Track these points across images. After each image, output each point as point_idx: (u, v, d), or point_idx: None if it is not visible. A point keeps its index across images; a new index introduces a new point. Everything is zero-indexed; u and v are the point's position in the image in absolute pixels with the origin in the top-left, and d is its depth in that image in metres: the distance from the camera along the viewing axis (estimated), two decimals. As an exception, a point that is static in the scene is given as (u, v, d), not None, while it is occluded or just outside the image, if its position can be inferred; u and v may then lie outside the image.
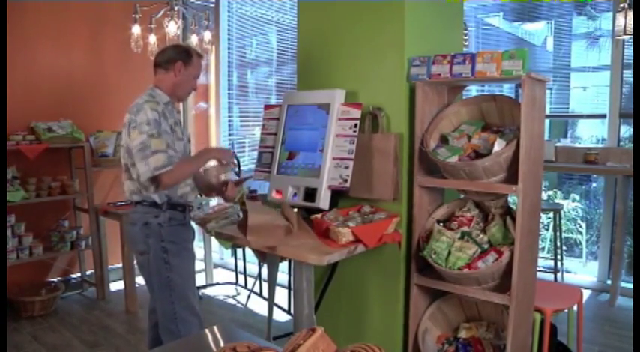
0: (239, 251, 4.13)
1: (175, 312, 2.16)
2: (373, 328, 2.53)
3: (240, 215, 2.45)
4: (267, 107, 2.72)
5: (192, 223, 2.49)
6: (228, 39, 4.96)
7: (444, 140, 2.29)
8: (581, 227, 4.73)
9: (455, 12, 2.66)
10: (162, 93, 2.24)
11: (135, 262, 2.46)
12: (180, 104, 4.88)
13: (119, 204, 3.94)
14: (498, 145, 2.04)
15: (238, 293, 4.19)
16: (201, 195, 2.82)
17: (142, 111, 2.09)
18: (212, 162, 2.28)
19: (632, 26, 3.39)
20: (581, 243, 4.71)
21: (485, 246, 2.14)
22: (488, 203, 2.27)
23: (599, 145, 4.25)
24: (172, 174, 2.08)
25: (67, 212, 4.05)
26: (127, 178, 2.21)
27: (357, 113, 2.30)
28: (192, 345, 1.42)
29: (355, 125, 2.29)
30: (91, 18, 4.14)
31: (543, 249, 4.59)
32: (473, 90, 4.04)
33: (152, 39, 4.01)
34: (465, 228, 2.20)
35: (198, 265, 4.67)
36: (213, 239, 3.74)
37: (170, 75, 2.25)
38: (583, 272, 4.36)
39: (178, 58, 2.24)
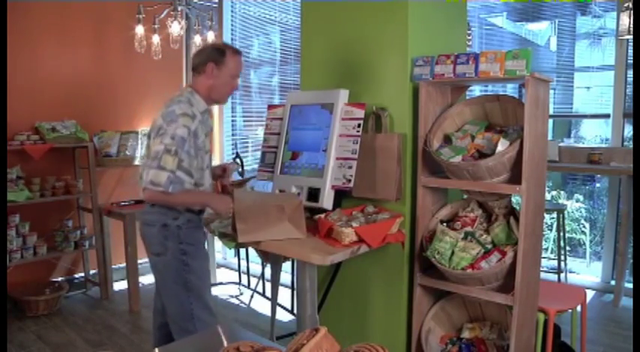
0: (242, 251, 4.14)
1: (193, 313, 2.14)
2: (377, 328, 2.53)
3: None
4: (271, 107, 2.72)
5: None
6: (232, 39, 4.97)
7: (447, 140, 2.29)
8: (584, 227, 4.71)
9: (458, 12, 2.66)
10: (200, 98, 2.15)
11: (148, 262, 2.38)
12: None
13: (122, 203, 3.95)
14: (502, 145, 2.03)
15: (241, 293, 4.20)
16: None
17: (174, 123, 2.00)
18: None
19: (633, 27, 3.38)
20: (584, 244, 4.70)
21: (489, 247, 2.14)
22: (491, 203, 2.27)
23: (603, 145, 4.24)
24: (166, 197, 2.01)
25: (70, 212, 4.06)
26: None
27: (360, 113, 2.30)
28: (195, 345, 1.42)
29: (359, 125, 2.29)
30: (94, 18, 4.15)
31: (547, 249, 4.58)
32: (476, 90, 4.04)
33: (156, 39, 4.02)
34: (469, 228, 2.20)
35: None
36: (216, 239, 3.76)
37: (203, 78, 2.14)
38: (587, 273, 4.34)
39: (209, 58, 2.12)
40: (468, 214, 2.28)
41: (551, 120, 4.20)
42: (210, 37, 4.28)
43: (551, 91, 4.31)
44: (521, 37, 5.16)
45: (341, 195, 2.42)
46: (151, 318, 2.44)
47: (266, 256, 2.98)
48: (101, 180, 4.19)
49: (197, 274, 2.16)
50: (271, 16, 4.87)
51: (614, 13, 4.04)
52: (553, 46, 4.90)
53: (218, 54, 2.13)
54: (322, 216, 2.21)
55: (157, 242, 2.13)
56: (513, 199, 2.30)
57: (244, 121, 5.11)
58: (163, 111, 2.07)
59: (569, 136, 4.77)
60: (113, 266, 4.14)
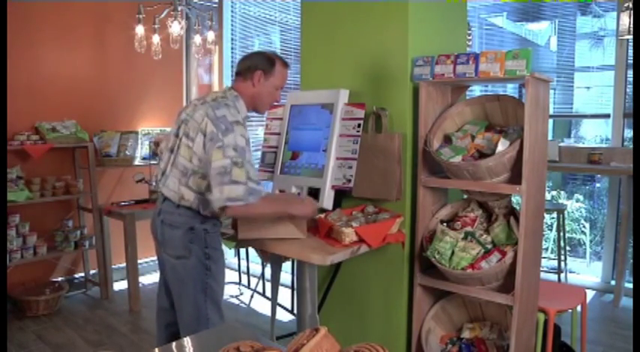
0: (242, 251, 4.14)
1: (208, 317, 2.10)
2: (377, 328, 2.53)
3: None
4: (271, 107, 2.71)
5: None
6: (232, 39, 4.97)
7: (447, 140, 2.29)
8: (585, 227, 4.71)
9: (458, 12, 2.66)
10: (243, 104, 2.08)
11: (157, 262, 2.27)
12: (184, 104, 4.89)
13: (122, 203, 3.95)
14: (502, 145, 2.03)
15: (241, 293, 4.20)
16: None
17: (231, 133, 1.90)
18: None
19: (633, 27, 3.38)
20: (585, 244, 4.70)
21: (489, 247, 2.14)
22: (491, 203, 2.27)
23: (603, 145, 4.24)
24: (248, 209, 1.91)
25: (70, 212, 4.06)
26: (185, 184, 2.00)
27: (360, 113, 2.30)
28: (195, 345, 1.42)
29: (359, 125, 2.29)
30: (94, 18, 4.15)
31: (547, 249, 4.58)
32: (476, 90, 4.04)
33: (156, 39, 4.02)
34: (469, 228, 2.20)
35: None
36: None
37: (248, 84, 2.08)
38: (587, 273, 4.35)
39: (258, 66, 2.08)
40: (468, 214, 2.28)
41: (551, 120, 4.20)
42: (211, 37, 4.28)
43: (551, 91, 4.31)
44: (522, 37, 5.16)
45: (341, 195, 2.42)
46: (151, 318, 2.43)
47: (265, 256, 2.97)
48: (101, 180, 4.19)
49: (216, 279, 2.11)
50: (271, 16, 4.87)
51: (614, 13, 4.04)
52: (553, 46, 4.91)
53: (268, 63, 2.09)
54: (322, 216, 2.21)
55: (180, 245, 2.04)
56: (513, 199, 2.30)
57: (244, 121, 5.11)
58: (210, 113, 1.94)
59: (569, 136, 4.77)
60: (113, 267, 4.14)
